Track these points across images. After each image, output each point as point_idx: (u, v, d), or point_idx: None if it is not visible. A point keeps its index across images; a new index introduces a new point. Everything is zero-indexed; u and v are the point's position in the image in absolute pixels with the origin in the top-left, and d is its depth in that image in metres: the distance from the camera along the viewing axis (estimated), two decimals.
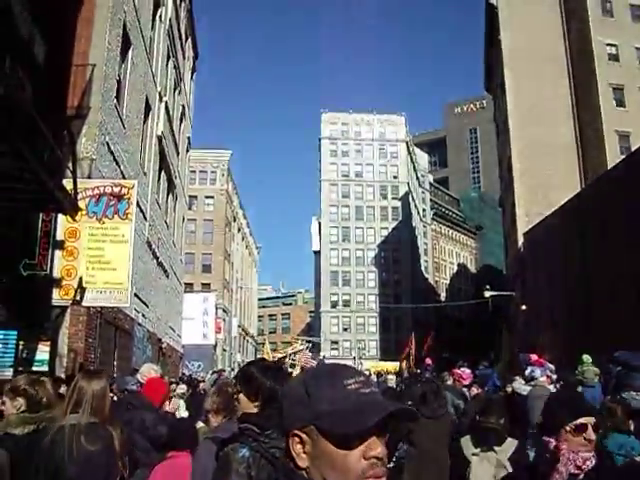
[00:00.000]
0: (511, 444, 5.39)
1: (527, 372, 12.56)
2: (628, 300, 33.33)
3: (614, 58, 50.16)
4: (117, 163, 17.43)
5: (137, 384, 8.32)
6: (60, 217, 12.89)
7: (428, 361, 22.95)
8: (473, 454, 5.35)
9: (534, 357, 13.89)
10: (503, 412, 5.89)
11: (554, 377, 11.99)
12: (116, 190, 13.89)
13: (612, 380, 8.67)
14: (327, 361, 51.05)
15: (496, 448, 5.31)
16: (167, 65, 27.08)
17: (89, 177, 14.58)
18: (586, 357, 14.96)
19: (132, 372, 15.48)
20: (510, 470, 5.07)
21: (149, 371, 8.23)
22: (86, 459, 3.93)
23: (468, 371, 16.27)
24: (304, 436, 1.48)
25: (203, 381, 19.56)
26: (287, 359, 38.06)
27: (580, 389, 10.64)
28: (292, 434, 1.49)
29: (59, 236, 13.13)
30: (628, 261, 33.51)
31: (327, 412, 1.44)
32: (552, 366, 13.39)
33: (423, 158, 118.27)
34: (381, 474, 1.44)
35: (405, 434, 6.09)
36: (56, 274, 13.06)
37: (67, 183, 11.52)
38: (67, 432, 3.98)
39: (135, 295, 18.57)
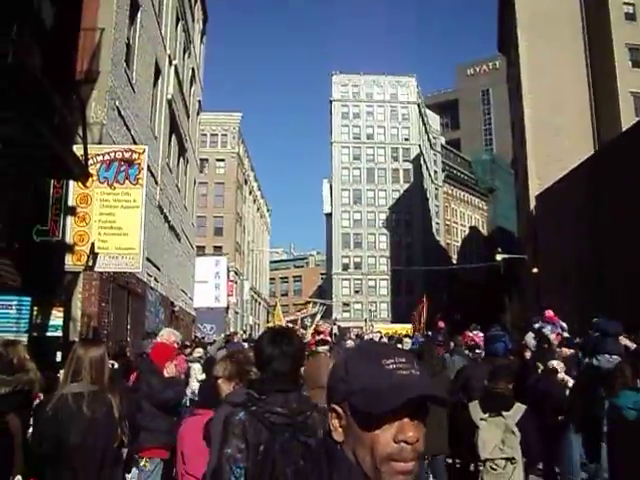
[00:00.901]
0: (519, 409, 5.46)
1: (536, 326, 12.59)
2: (637, 264, 33.23)
3: (631, 17, 49.27)
4: (127, 128, 17.38)
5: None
6: (71, 183, 12.89)
7: (441, 324, 23.01)
8: (481, 419, 5.42)
9: (549, 313, 13.83)
10: (511, 378, 6.13)
11: (565, 335, 11.96)
12: (127, 155, 13.87)
13: (590, 344, 9.12)
14: (339, 323, 51.29)
15: (504, 413, 5.38)
16: (176, 28, 26.83)
17: (100, 142, 14.56)
18: (597, 320, 14.92)
19: (145, 335, 15.64)
20: (518, 435, 5.21)
21: (169, 335, 8.31)
22: (88, 426, 4.03)
23: (481, 334, 16.32)
24: (340, 411, 1.51)
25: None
26: (299, 321, 38.32)
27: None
28: (331, 408, 1.53)
29: (71, 202, 13.15)
30: (637, 226, 33.33)
31: (359, 389, 1.46)
32: (564, 325, 13.37)
33: (435, 120, 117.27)
34: (409, 458, 1.44)
35: None
36: (68, 240, 13.11)
37: (77, 149, 11.49)
38: (70, 400, 4.07)
39: (147, 259, 18.66)
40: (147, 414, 6.88)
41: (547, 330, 11.97)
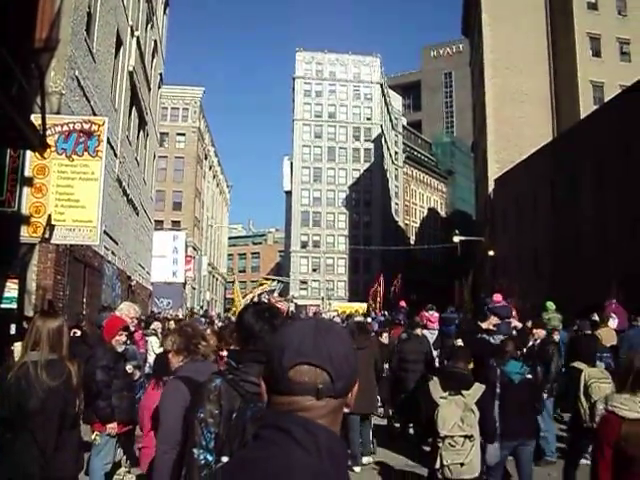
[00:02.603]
0: (478, 388, 5.70)
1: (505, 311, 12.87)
2: (592, 250, 33.93)
3: (592, 7, 49.83)
4: (87, 99, 17.09)
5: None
6: (28, 154, 12.67)
7: (402, 303, 23.24)
8: (441, 397, 5.62)
9: (497, 297, 14.12)
10: (470, 358, 6.53)
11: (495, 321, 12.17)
12: (86, 127, 13.65)
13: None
14: (296, 301, 51.49)
15: (464, 392, 5.60)
16: None
17: (58, 113, 14.30)
18: (550, 304, 15.31)
19: (101, 309, 15.51)
20: (477, 413, 5.47)
21: (129, 309, 8.31)
22: (47, 393, 4.19)
23: (436, 314, 16.57)
24: None
25: (172, 319, 19.72)
26: (255, 298, 38.32)
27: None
28: None
29: (27, 173, 12.93)
30: (595, 210, 34.00)
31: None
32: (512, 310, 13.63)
33: (397, 100, 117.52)
34: None
35: None
36: (24, 211, 12.90)
37: (35, 119, 11.27)
38: (30, 368, 4.23)
39: (105, 233, 18.45)
40: (101, 382, 6.91)
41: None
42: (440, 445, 5.48)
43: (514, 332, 10.52)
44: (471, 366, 6.89)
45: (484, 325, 9.85)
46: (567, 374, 7.52)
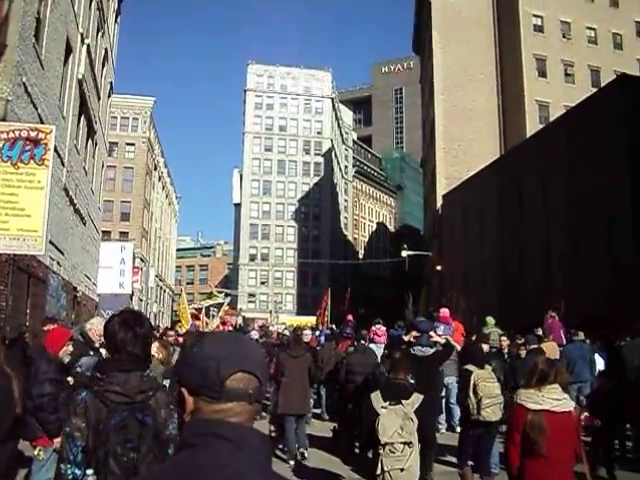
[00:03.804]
0: (417, 398, 6.09)
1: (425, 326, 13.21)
2: (537, 265, 34.60)
3: (539, 29, 51.19)
4: (34, 105, 16.81)
5: (80, 335, 8.28)
6: None
7: (349, 317, 23.31)
8: (382, 407, 5.94)
9: (444, 313, 14.33)
10: (410, 369, 6.90)
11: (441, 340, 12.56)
12: (33, 134, 13.43)
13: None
14: (244, 314, 51.24)
15: (403, 401, 5.97)
16: (90, 5, 26.08)
17: (4, 119, 14.04)
18: (489, 319, 15.60)
19: (45, 321, 15.20)
20: (415, 421, 5.87)
21: (98, 325, 8.17)
22: None
23: (383, 328, 16.68)
24: None
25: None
26: (203, 310, 38.02)
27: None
28: None
29: None
30: (539, 228, 34.70)
31: None
32: (452, 326, 13.89)
33: (348, 115, 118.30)
34: None
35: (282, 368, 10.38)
36: None
37: None
38: None
39: (50, 242, 18.12)
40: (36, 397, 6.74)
41: (440, 330, 12.44)
42: (381, 452, 5.77)
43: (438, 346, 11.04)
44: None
45: (406, 338, 10.70)
46: (460, 376, 8.41)
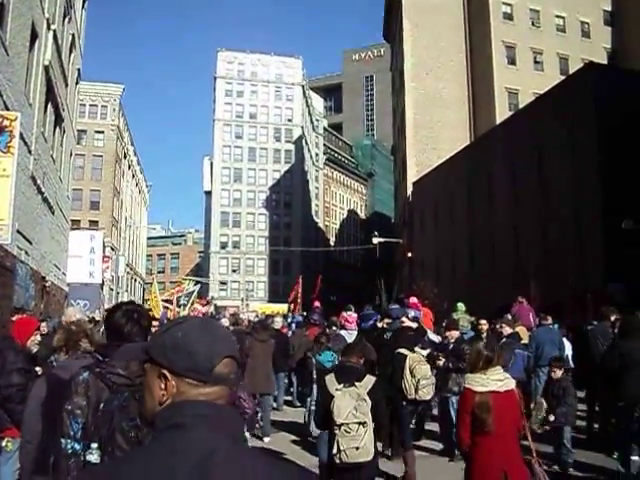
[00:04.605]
0: (369, 380, 6.30)
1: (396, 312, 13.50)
2: (506, 251, 34.95)
3: (508, 17, 51.49)
4: None
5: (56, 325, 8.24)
6: None
7: (316, 304, 23.41)
8: (337, 389, 6.15)
9: (413, 300, 14.48)
10: (362, 353, 7.15)
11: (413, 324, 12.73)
12: None
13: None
14: (216, 302, 51.09)
15: (357, 384, 6.17)
16: None
17: None
18: (460, 305, 15.75)
19: (13, 311, 15.04)
20: (369, 402, 6.07)
21: (71, 315, 8.10)
22: None
23: (354, 315, 16.74)
24: None
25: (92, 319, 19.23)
26: (174, 300, 37.90)
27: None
28: None
29: None
30: (508, 214, 35.02)
31: None
32: (419, 313, 14.04)
33: (319, 102, 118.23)
34: None
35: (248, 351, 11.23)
36: None
37: None
38: None
39: (17, 232, 17.91)
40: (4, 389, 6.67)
41: (410, 315, 12.61)
42: (337, 432, 6.00)
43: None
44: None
45: (379, 324, 11.79)
46: (393, 358, 8.83)
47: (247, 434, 5.50)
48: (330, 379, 6.34)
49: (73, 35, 31.28)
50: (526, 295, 17.35)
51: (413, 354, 8.64)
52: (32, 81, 21.56)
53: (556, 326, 14.55)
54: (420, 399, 8.37)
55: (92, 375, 3.17)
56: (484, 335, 12.71)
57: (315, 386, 10.04)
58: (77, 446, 3.06)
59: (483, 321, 13.30)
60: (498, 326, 12.90)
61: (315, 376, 10.18)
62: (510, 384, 5.33)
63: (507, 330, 12.29)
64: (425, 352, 10.94)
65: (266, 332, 12.42)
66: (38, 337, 7.18)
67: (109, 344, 3.43)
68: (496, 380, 5.24)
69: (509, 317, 15.17)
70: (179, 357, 1.59)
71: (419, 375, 8.29)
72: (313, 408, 10.00)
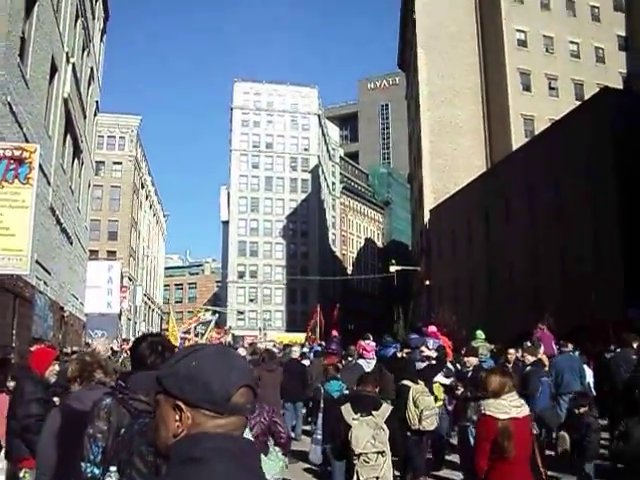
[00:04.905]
0: (386, 409, 6.37)
1: (412, 337, 13.45)
2: (525, 277, 34.68)
3: (522, 44, 51.65)
4: (19, 125, 16.74)
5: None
6: None
7: (334, 333, 23.33)
8: (353, 419, 6.18)
9: (432, 329, 14.34)
10: (377, 382, 7.23)
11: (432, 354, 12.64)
12: (17, 153, 13.37)
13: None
14: (233, 332, 51.08)
15: (374, 412, 6.21)
16: (75, 25, 26.07)
17: None
18: (479, 333, 15.57)
19: (31, 341, 15.06)
20: (387, 431, 6.14)
21: (98, 346, 8.09)
22: None
23: (372, 344, 16.62)
24: None
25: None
26: (192, 330, 37.93)
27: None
28: None
29: None
30: (526, 241, 34.80)
31: None
32: (438, 342, 13.91)
33: (334, 131, 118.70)
34: None
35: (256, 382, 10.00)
36: None
37: None
38: None
39: (36, 262, 18.01)
40: (21, 419, 6.64)
41: (430, 344, 12.58)
42: (356, 462, 6.02)
43: (432, 360, 11.59)
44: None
45: (398, 354, 11.83)
46: (397, 390, 9.01)
47: (285, 458, 5.47)
48: (346, 409, 6.31)
49: (92, 68, 31.72)
50: (545, 321, 17.16)
51: (417, 385, 8.74)
52: (51, 113, 21.82)
53: (577, 353, 14.36)
54: (424, 429, 8.46)
55: (115, 401, 3.25)
56: (510, 365, 12.48)
57: (320, 415, 10.24)
58: (96, 470, 3.11)
59: (511, 350, 12.91)
60: (519, 355, 12.69)
61: (322, 405, 10.31)
62: (526, 410, 5.34)
63: (530, 358, 12.05)
64: (448, 381, 10.90)
65: (273, 361, 12.51)
66: (56, 367, 7.16)
67: (132, 372, 3.49)
68: (515, 406, 5.21)
69: (529, 344, 15.01)
70: (194, 387, 1.53)
71: (422, 406, 8.39)
72: (318, 437, 10.15)
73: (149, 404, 3.10)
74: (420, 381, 9.07)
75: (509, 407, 5.18)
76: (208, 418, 1.52)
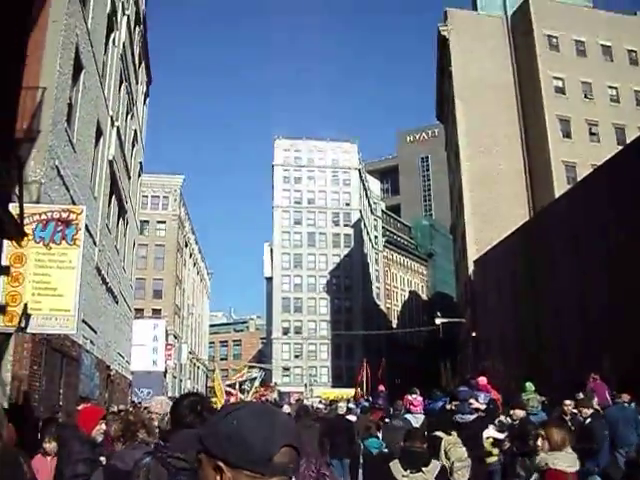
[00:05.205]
0: (436, 465, 6.24)
1: (461, 389, 13.20)
2: (573, 329, 33.96)
3: (560, 91, 51.64)
4: (67, 187, 17.16)
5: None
6: (5, 242, 12.61)
7: (381, 387, 23.10)
8: (403, 476, 6.05)
9: (482, 381, 14.06)
10: (425, 437, 7.14)
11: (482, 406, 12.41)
12: (64, 215, 13.65)
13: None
14: (279, 388, 50.81)
15: (423, 469, 6.08)
16: (120, 89, 26.87)
17: (37, 202, 14.32)
18: (528, 385, 15.20)
19: (78, 400, 15.15)
20: None
21: (157, 405, 8.09)
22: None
23: (419, 398, 16.37)
24: None
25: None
26: (237, 385, 37.83)
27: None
28: None
29: (4, 261, 12.82)
30: (572, 290, 34.17)
31: None
32: (491, 395, 13.65)
33: (375, 185, 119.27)
34: None
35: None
36: (0, 300, 12.74)
37: (13, 208, 11.29)
38: None
39: (83, 321, 18.22)
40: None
41: (480, 398, 12.32)
42: None
43: (479, 412, 11.44)
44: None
45: (447, 406, 11.74)
46: (429, 441, 8.69)
47: None
48: (395, 466, 6.18)
49: (135, 130, 32.52)
50: (598, 370, 16.73)
51: (448, 437, 8.69)
52: (97, 175, 22.35)
53: (632, 405, 13.92)
54: None
55: (154, 460, 3.30)
56: (568, 417, 12.09)
57: (361, 470, 10.31)
58: None
59: (568, 402, 12.48)
60: (572, 408, 12.31)
61: (362, 461, 10.36)
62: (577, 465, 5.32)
63: (586, 411, 11.64)
64: (502, 435, 10.59)
65: (309, 417, 12.45)
66: (103, 426, 7.17)
67: (172, 430, 3.58)
68: (575, 459, 5.19)
69: (581, 396, 14.60)
70: (234, 447, 1.48)
71: (454, 457, 8.31)
72: None
73: (187, 462, 3.14)
74: (453, 432, 9.00)
75: (573, 460, 5.15)
76: (248, 479, 1.47)
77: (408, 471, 6.03)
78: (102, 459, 7.49)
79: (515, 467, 9.51)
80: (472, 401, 11.98)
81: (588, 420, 11.25)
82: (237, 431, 1.49)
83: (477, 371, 27.57)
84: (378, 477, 7.88)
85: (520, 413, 10.63)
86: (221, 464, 1.49)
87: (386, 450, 9.13)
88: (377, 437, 10.36)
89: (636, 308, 28.92)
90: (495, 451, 10.55)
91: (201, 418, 3.45)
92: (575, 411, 11.98)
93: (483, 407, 11.72)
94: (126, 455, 4.07)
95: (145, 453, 3.48)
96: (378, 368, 40.00)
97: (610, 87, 52.65)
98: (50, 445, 6.88)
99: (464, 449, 8.61)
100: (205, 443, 1.55)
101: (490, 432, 10.68)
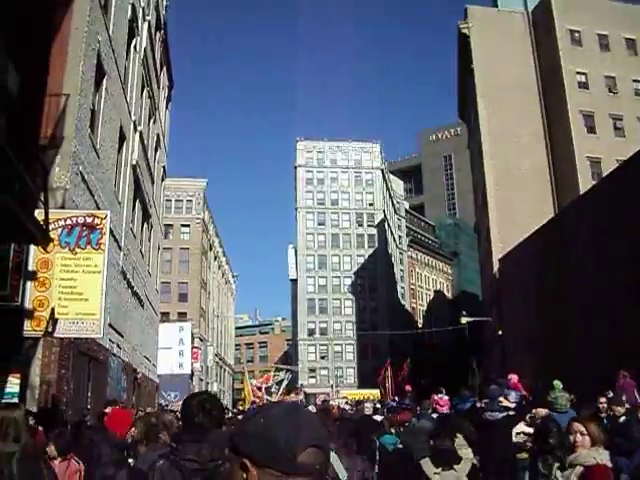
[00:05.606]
0: (467, 463, 6.22)
1: (493, 387, 13.10)
2: (601, 325, 33.61)
3: (584, 86, 51.13)
4: (91, 193, 17.32)
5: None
6: (32, 248, 12.76)
7: (408, 387, 23.09)
8: (435, 473, 6.05)
9: (514, 380, 13.96)
10: (454, 434, 6.92)
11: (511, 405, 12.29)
12: (89, 220, 13.78)
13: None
14: (306, 390, 50.88)
15: (455, 467, 6.09)
16: (142, 94, 27.07)
17: (62, 207, 14.47)
18: (557, 383, 15.01)
19: (105, 404, 15.27)
20: None
21: None
22: None
23: (446, 398, 16.34)
24: None
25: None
26: (263, 388, 37.90)
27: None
28: None
29: (31, 267, 12.97)
30: (598, 286, 33.83)
31: None
32: (520, 394, 13.53)
33: (399, 185, 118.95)
34: None
35: None
36: (28, 305, 12.88)
37: (39, 214, 11.42)
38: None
39: (109, 325, 18.38)
40: None
41: (511, 397, 12.19)
42: None
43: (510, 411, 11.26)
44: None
45: (477, 404, 12.04)
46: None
47: None
48: (426, 463, 6.18)
49: (158, 135, 32.74)
50: (627, 369, 16.53)
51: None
52: (121, 180, 22.53)
53: None
54: None
55: (167, 463, 3.38)
56: (604, 415, 11.94)
57: (377, 467, 10.31)
58: None
59: (603, 399, 12.39)
60: (604, 406, 12.16)
61: (378, 457, 10.45)
62: None
63: (619, 410, 11.47)
64: (532, 429, 10.45)
65: (329, 418, 12.31)
66: (133, 429, 7.22)
67: (183, 431, 3.69)
68: (608, 455, 5.15)
69: (611, 394, 14.44)
70: (259, 446, 1.49)
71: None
72: None
73: (199, 462, 3.28)
74: (459, 435, 8.88)
75: (608, 457, 5.12)
76: (274, 478, 1.47)
77: (440, 468, 6.04)
78: (130, 461, 7.56)
79: (537, 465, 9.43)
80: (502, 399, 11.90)
81: (622, 418, 11.09)
82: (263, 429, 1.51)
83: (504, 370, 27.37)
84: (395, 472, 8.10)
85: (542, 412, 10.52)
86: (247, 462, 1.50)
87: (400, 446, 9.33)
88: (391, 434, 10.57)
89: None
90: (527, 445, 10.45)
91: (210, 417, 3.50)
92: (612, 411, 11.83)
93: (512, 406, 11.63)
94: (148, 457, 4.13)
95: (159, 455, 3.54)
96: (401, 369, 39.95)
97: (634, 81, 52.03)
98: (51, 448, 6.94)
99: (470, 450, 8.32)
100: (234, 441, 1.56)
101: (521, 427, 10.55)
